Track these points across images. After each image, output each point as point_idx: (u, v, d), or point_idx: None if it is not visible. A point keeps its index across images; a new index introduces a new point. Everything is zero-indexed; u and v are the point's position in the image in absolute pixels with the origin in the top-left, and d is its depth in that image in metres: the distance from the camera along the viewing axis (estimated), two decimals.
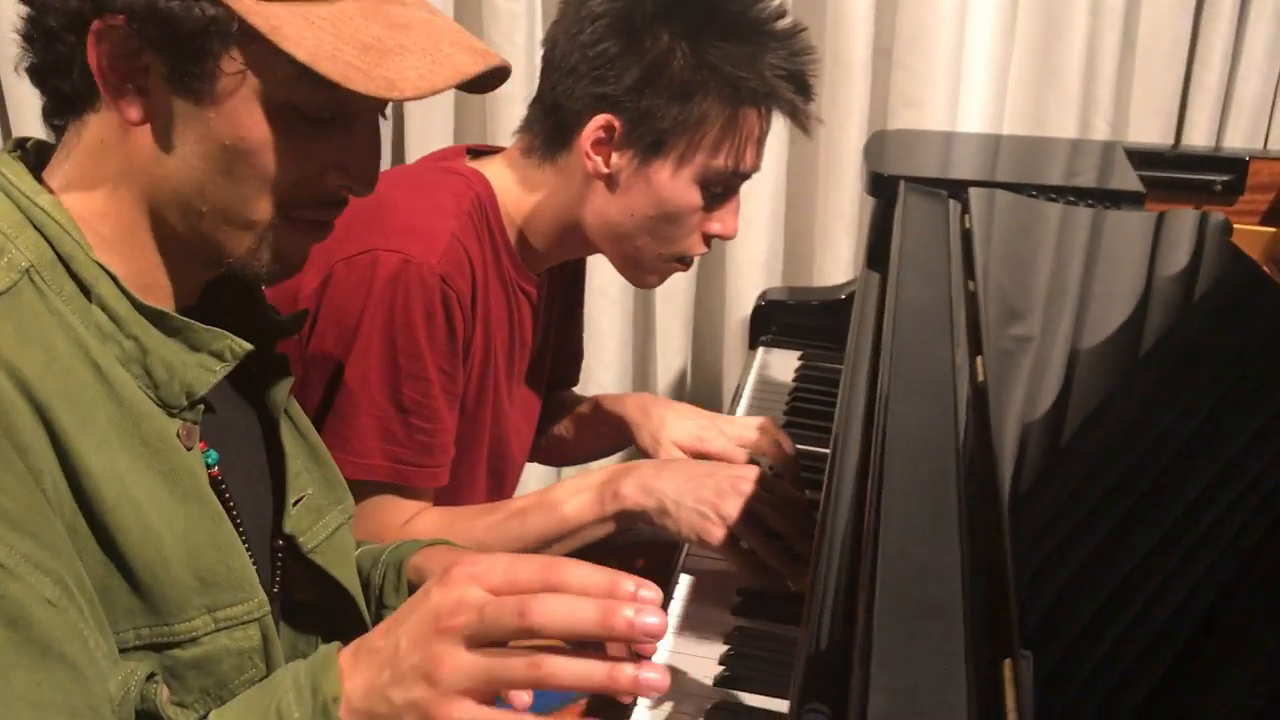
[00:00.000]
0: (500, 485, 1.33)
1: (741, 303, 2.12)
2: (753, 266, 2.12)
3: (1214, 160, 1.62)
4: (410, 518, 1.18)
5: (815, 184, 2.11)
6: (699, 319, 2.24)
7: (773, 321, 1.81)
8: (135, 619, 0.73)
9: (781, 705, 1.04)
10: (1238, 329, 1.09)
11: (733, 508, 1.11)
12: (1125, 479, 0.84)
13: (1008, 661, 0.66)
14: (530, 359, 1.34)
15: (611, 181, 1.18)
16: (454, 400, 1.17)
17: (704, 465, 1.19)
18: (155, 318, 0.76)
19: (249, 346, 0.81)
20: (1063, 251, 1.30)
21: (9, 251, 0.72)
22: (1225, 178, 1.58)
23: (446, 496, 1.23)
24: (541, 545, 1.17)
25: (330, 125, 0.77)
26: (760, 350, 1.77)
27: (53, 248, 0.73)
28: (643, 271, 1.25)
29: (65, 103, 0.76)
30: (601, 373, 2.14)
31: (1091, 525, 0.78)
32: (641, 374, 2.24)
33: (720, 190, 1.20)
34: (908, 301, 1.14)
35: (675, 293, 2.18)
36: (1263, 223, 1.61)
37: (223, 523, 0.79)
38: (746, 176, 1.21)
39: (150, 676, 0.74)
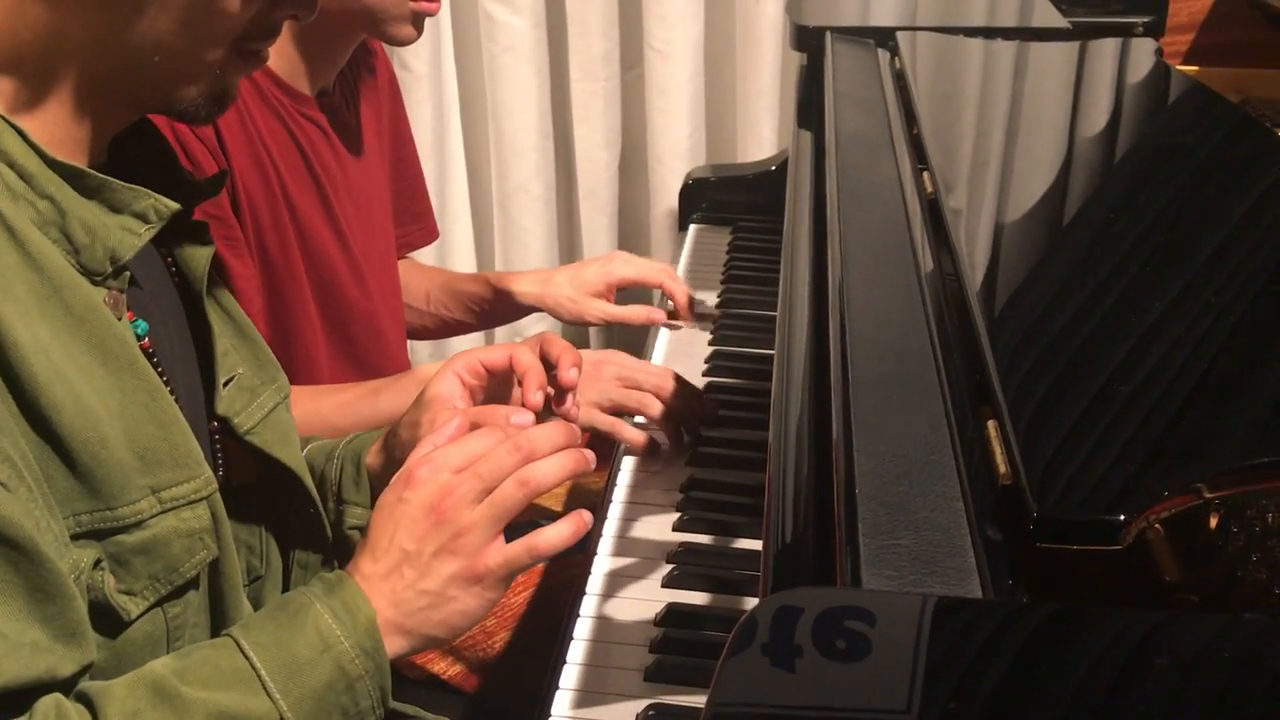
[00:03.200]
0: (351, 344, 1.25)
1: (666, 193, 2.07)
2: (675, 154, 2.07)
3: (1134, 1, 1.61)
4: None
5: (734, 64, 2.06)
6: (624, 212, 2.18)
7: (702, 200, 1.76)
8: (75, 504, 0.66)
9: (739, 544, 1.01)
10: (1176, 130, 1.08)
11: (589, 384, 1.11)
12: (1087, 256, 0.81)
13: (992, 422, 0.64)
14: (359, 204, 1.26)
15: None
16: (235, 245, 1.10)
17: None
18: (71, 176, 0.68)
19: (175, 206, 0.73)
20: (998, 81, 1.27)
21: None
22: (1146, 19, 1.57)
23: (281, 357, 1.17)
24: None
25: None
26: (691, 229, 1.73)
27: None
28: (386, 23, 1.14)
29: None
30: None
31: (1055, 298, 0.76)
32: None
33: None
34: (847, 130, 1.10)
35: (598, 187, 2.12)
36: (1184, 63, 1.61)
37: (161, 396, 0.71)
38: None
39: (96, 564, 0.68)
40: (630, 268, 1.41)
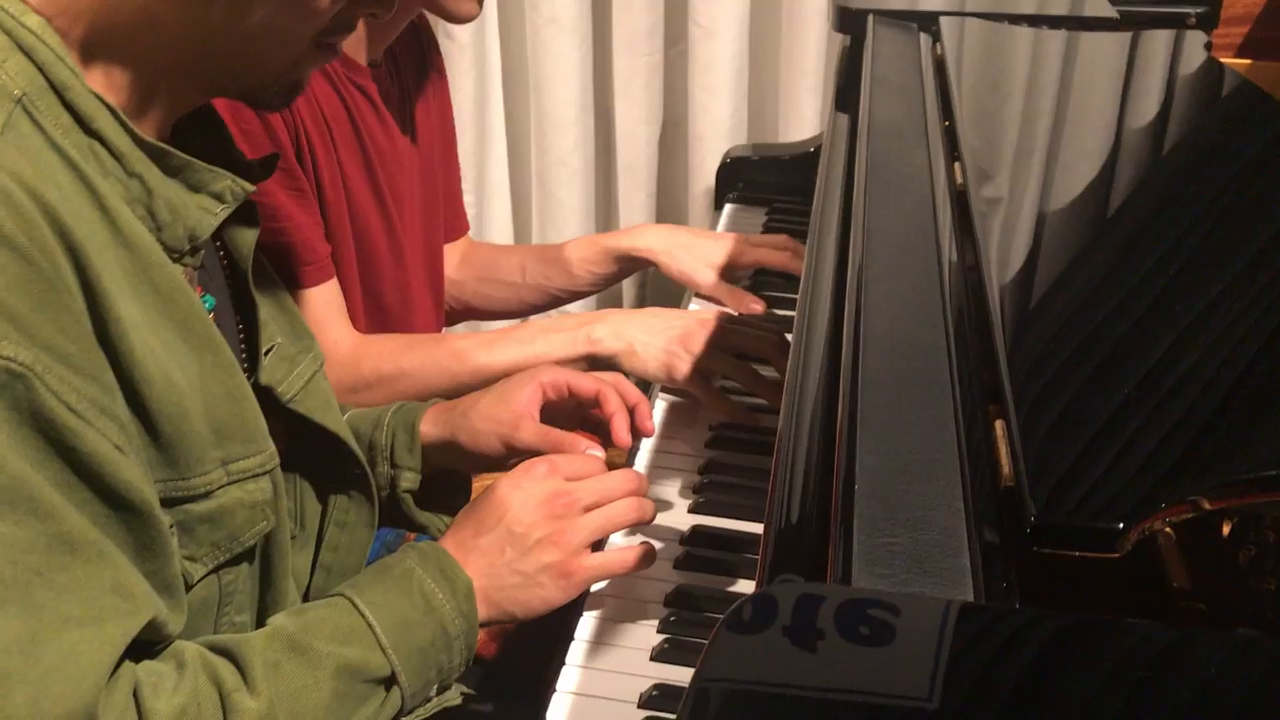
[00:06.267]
0: (383, 311, 1.26)
1: (705, 171, 2.06)
2: (715, 133, 2.06)
3: None
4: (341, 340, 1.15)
5: (778, 43, 2.04)
6: (662, 189, 2.18)
7: (738, 179, 1.75)
8: (155, 473, 0.69)
9: (753, 529, 1.02)
10: (1223, 133, 1.06)
11: (699, 343, 1.15)
12: (1115, 258, 0.81)
13: (1000, 423, 0.63)
14: (403, 175, 1.26)
15: None
16: (302, 195, 1.11)
17: (672, 311, 1.21)
18: (156, 155, 0.70)
19: (251, 187, 0.76)
20: (1040, 71, 1.25)
21: None
22: (1199, 10, 1.53)
23: None
24: (503, 377, 1.12)
25: None
26: (726, 208, 1.73)
27: (44, 75, 0.65)
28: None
29: None
30: None
31: (1078, 301, 0.75)
32: None
33: None
34: (881, 117, 1.09)
35: (637, 163, 2.12)
36: (1238, 56, 1.58)
37: (235, 372, 0.74)
38: None
39: (169, 529, 0.70)
40: (752, 254, 1.40)
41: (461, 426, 0.98)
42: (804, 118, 2.05)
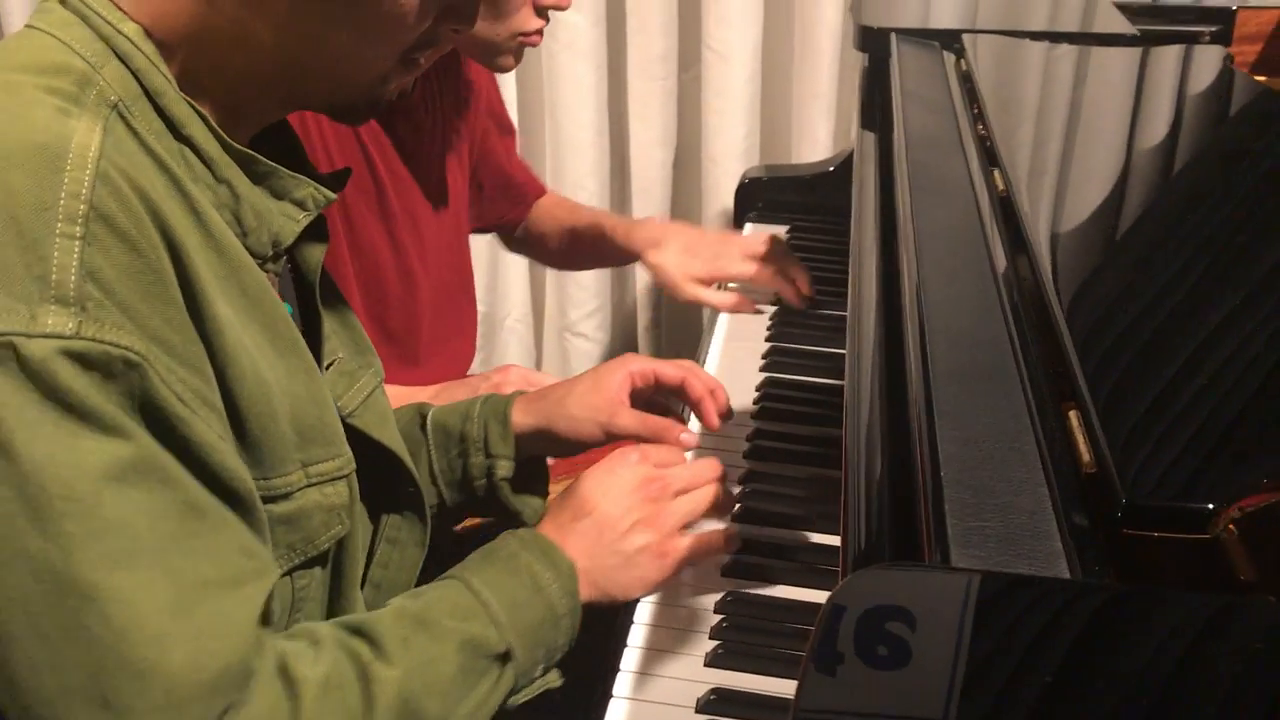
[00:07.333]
0: (389, 335, 1.27)
1: (719, 194, 2.08)
2: (729, 155, 2.07)
3: (1201, 11, 1.60)
4: None
5: (790, 67, 2.07)
6: (676, 211, 2.19)
7: (757, 199, 1.77)
8: None
9: (794, 536, 1.02)
10: (1249, 135, 1.07)
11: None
12: (1168, 254, 0.81)
13: (1074, 412, 0.64)
14: (429, 205, 1.28)
15: None
16: None
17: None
18: (245, 161, 0.71)
19: (333, 196, 0.76)
20: (1069, 79, 1.27)
21: (96, 83, 0.64)
22: (1213, 29, 1.56)
23: None
24: None
25: None
26: (746, 227, 1.74)
27: (138, 81, 0.66)
28: (494, 54, 1.21)
29: None
30: None
31: (1138, 294, 0.76)
32: (619, 270, 2.20)
33: None
34: (916, 128, 1.11)
35: (652, 185, 2.13)
36: (1251, 73, 1.60)
37: (316, 376, 0.75)
38: None
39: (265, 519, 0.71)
40: (736, 266, 1.45)
41: (558, 414, 1.00)
42: (817, 139, 2.07)
